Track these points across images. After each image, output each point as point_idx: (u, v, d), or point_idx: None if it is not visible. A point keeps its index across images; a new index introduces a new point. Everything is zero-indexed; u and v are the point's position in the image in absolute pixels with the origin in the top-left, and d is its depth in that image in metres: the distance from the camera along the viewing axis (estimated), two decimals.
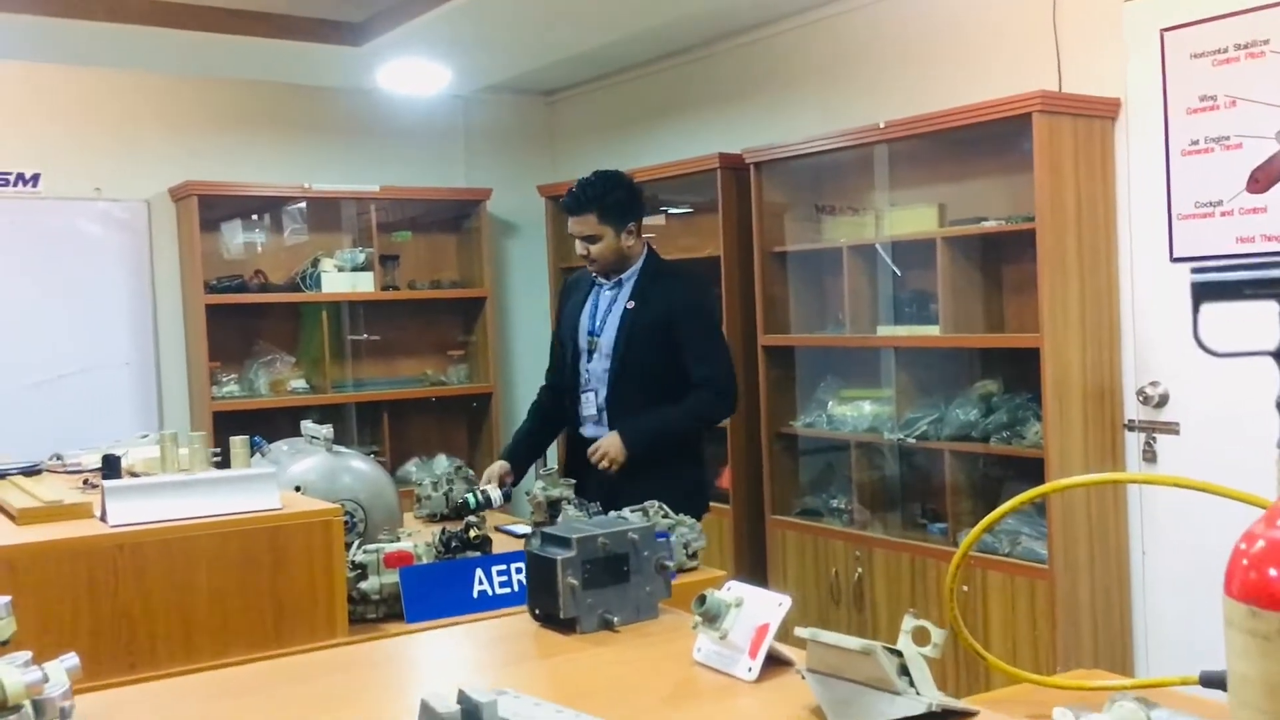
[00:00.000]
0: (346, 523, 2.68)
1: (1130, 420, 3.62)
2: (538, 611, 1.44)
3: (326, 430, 2.76)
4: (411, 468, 5.64)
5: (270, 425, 5.26)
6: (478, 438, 5.88)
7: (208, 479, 2.23)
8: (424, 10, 3.67)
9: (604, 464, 3.30)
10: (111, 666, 1.99)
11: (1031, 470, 3.59)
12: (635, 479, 3.22)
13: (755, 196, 4.49)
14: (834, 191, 4.54)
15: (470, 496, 3.27)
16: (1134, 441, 3.62)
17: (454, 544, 2.50)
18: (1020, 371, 3.77)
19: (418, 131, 5.84)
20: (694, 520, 2.85)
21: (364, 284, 5.36)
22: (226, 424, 5.07)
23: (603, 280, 3.40)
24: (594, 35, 4.31)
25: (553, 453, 5.48)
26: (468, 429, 5.94)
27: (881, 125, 3.92)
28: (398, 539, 2.51)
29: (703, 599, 1.21)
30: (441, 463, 5.71)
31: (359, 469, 2.80)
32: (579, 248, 3.35)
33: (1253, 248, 3.27)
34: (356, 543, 2.50)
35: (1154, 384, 3.55)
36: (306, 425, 2.90)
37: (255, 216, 5.40)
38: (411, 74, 4.66)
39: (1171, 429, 3.51)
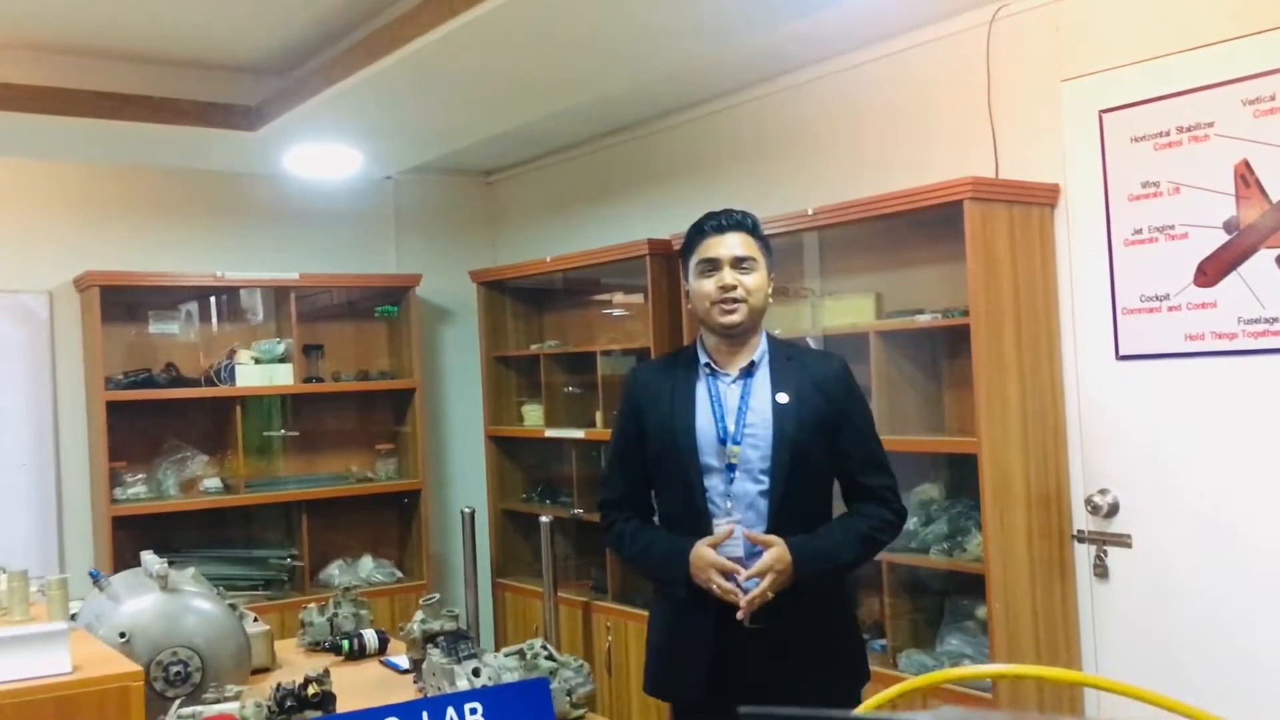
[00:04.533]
0: (179, 674, 2.37)
1: (1080, 531, 3.33)
2: None
3: (160, 565, 2.45)
4: (335, 570, 5.30)
5: (175, 530, 4.95)
6: (408, 537, 5.54)
7: None
8: (312, 95, 3.42)
9: (753, 597, 2.39)
10: None
11: (974, 585, 3.29)
12: (792, 639, 2.45)
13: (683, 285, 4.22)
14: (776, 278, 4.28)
15: (345, 643, 2.96)
16: (1084, 555, 3.32)
17: (288, 704, 2.17)
18: (963, 476, 3.48)
19: (346, 215, 5.59)
20: (581, 663, 2.54)
21: (282, 377, 5.06)
22: (128, 529, 4.76)
23: (716, 366, 2.54)
24: (494, 121, 4.05)
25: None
26: (398, 528, 5.60)
27: (810, 212, 3.68)
28: (229, 697, 2.19)
29: None
30: (367, 565, 5.38)
31: (201, 609, 2.49)
32: (726, 278, 2.48)
33: (1202, 345, 3.01)
34: (178, 702, 2.18)
35: (1103, 492, 3.26)
36: (145, 557, 2.59)
37: (169, 308, 5.11)
38: (319, 158, 4.41)
39: (1123, 541, 3.22)
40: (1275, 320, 2.85)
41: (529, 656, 2.45)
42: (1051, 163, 3.38)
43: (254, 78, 3.98)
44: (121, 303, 4.88)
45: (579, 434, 4.82)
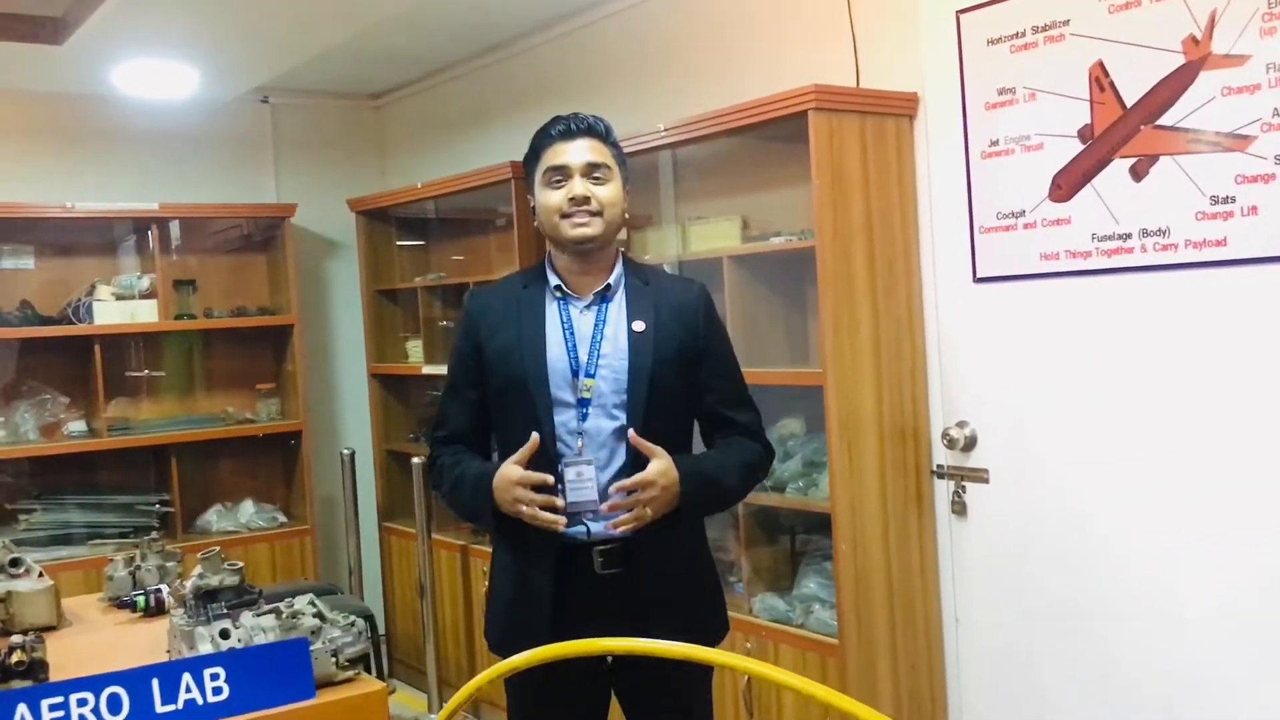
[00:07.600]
0: None
1: (939, 466, 3.12)
2: None
3: None
4: (213, 516, 5.08)
5: (39, 475, 4.71)
6: (292, 479, 5.31)
7: None
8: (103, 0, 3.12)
9: (634, 516, 2.18)
10: None
11: (829, 524, 3.08)
12: (649, 588, 2.23)
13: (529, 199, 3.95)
14: (640, 204, 4.01)
15: (140, 599, 2.76)
16: (943, 491, 3.12)
17: None
18: (824, 410, 3.26)
19: (219, 142, 5.28)
20: (353, 619, 2.33)
21: (145, 314, 4.79)
22: None
23: (568, 290, 2.30)
24: (322, 31, 3.73)
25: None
26: (283, 471, 5.37)
27: (662, 128, 3.41)
28: None
29: None
30: (247, 509, 5.15)
31: None
32: (577, 188, 2.23)
33: (1057, 265, 2.78)
34: None
35: (961, 424, 3.04)
36: None
37: (22, 241, 4.81)
38: (148, 76, 4.07)
39: (981, 476, 3.01)
40: (1128, 236, 2.62)
41: (285, 615, 2.23)
42: (912, 70, 3.12)
43: None
44: None
45: None
